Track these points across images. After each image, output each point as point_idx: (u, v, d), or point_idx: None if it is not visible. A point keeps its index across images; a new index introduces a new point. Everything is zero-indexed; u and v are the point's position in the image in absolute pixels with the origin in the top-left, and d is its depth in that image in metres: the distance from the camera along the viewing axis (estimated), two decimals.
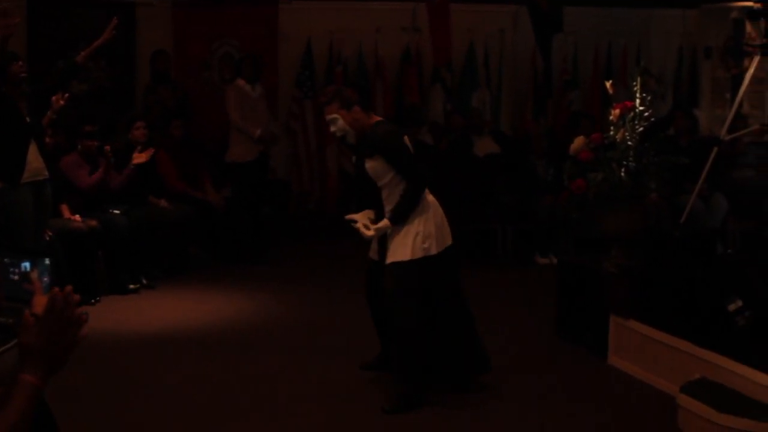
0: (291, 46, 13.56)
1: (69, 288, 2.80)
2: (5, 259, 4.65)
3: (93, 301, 9.15)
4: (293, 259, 11.51)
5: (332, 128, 6.54)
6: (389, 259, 6.43)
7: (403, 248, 6.37)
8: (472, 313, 6.88)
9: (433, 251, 6.44)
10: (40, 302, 2.93)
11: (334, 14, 13.61)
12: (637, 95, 7.64)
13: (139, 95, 12.87)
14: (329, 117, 6.51)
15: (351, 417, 6.38)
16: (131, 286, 9.78)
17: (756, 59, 8.55)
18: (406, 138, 6.53)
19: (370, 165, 6.41)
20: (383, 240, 6.57)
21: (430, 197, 6.54)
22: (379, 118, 6.66)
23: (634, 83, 7.75)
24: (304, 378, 7.16)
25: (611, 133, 7.65)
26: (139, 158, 9.93)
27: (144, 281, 9.95)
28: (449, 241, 6.60)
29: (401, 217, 6.36)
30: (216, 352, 7.87)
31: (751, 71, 8.65)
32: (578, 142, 7.83)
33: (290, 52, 13.57)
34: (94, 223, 9.56)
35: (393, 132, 6.49)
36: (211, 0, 13.18)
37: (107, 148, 9.75)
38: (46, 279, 4.29)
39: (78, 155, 9.92)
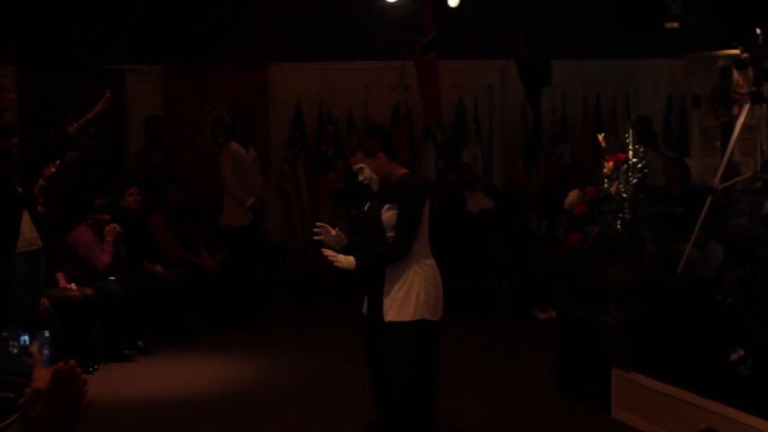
0: (281, 108, 13.58)
1: (73, 362, 2.78)
2: (3, 333, 4.62)
3: (91, 369, 9.09)
4: (289, 322, 11.47)
5: (360, 177, 6.58)
6: (389, 317, 6.39)
7: (405, 306, 6.35)
8: (437, 387, 6.87)
9: (432, 317, 6.45)
10: (40, 376, 2.90)
11: (323, 74, 13.65)
12: (630, 147, 7.66)
13: (129, 161, 12.86)
14: (356, 167, 6.61)
15: None
16: (127, 352, 9.71)
17: (746, 107, 8.59)
18: (427, 204, 6.58)
19: (387, 214, 6.42)
20: (376, 295, 6.54)
21: (433, 262, 6.56)
22: (406, 170, 6.70)
23: (626, 135, 7.77)
24: None
25: (605, 185, 7.66)
26: (110, 233, 9.88)
27: (140, 344, 9.89)
28: (440, 315, 6.58)
29: (369, 264, 6.47)
30: (214, 417, 7.83)
31: (741, 119, 8.69)
32: (573, 195, 7.85)
33: (280, 114, 13.59)
34: (90, 291, 9.53)
35: (417, 186, 6.63)
36: (200, 64, 13.21)
37: (115, 226, 9.77)
38: (46, 352, 4.26)
39: (90, 231, 9.90)
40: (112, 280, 9.85)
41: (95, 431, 6.99)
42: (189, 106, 13.24)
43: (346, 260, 6.41)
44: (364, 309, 6.76)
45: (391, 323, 6.38)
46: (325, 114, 13.66)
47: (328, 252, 6.48)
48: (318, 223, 6.76)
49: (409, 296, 6.36)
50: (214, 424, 7.61)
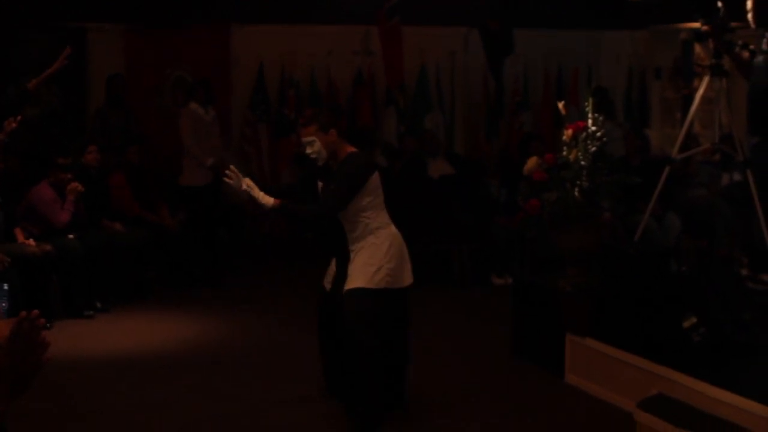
0: (243, 70, 13.55)
1: (35, 312, 2.78)
2: None
3: (48, 325, 9.06)
4: (248, 283, 11.48)
5: (308, 150, 6.45)
6: (349, 285, 6.37)
7: (364, 276, 6.33)
8: (409, 355, 6.92)
9: (394, 286, 6.46)
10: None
11: (286, 38, 13.61)
12: (589, 116, 7.70)
13: (89, 119, 12.80)
14: (306, 139, 6.45)
15: None
16: (86, 311, 9.71)
17: (706, 79, 8.64)
18: (375, 177, 6.51)
19: None
20: (341, 269, 6.56)
21: (394, 230, 6.57)
22: (354, 149, 6.59)
23: (587, 104, 7.82)
24: (262, 401, 7.15)
25: (564, 153, 7.71)
26: (72, 192, 9.85)
27: (99, 305, 9.89)
28: (410, 281, 6.60)
29: (284, 212, 6.49)
30: (172, 375, 7.84)
31: (701, 91, 8.74)
32: (532, 162, 7.89)
33: (243, 76, 13.56)
34: (48, 247, 9.52)
35: (361, 163, 6.51)
36: (163, 24, 13.13)
37: (76, 185, 9.74)
38: (4, 304, 4.27)
39: (51, 189, 9.86)
40: (71, 237, 9.83)
41: (51, 387, 7.01)
42: (151, 67, 13.19)
43: (265, 197, 6.36)
44: (327, 284, 6.77)
45: (353, 289, 6.34)
46: (288, 77, 13.64)
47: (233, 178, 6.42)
48: (231, 167, 6.57)
49: (371, 266, 6.34)
50: (169, 383, 7.61)
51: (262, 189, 6.44)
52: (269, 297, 10.80)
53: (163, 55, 13.27)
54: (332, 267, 6.77)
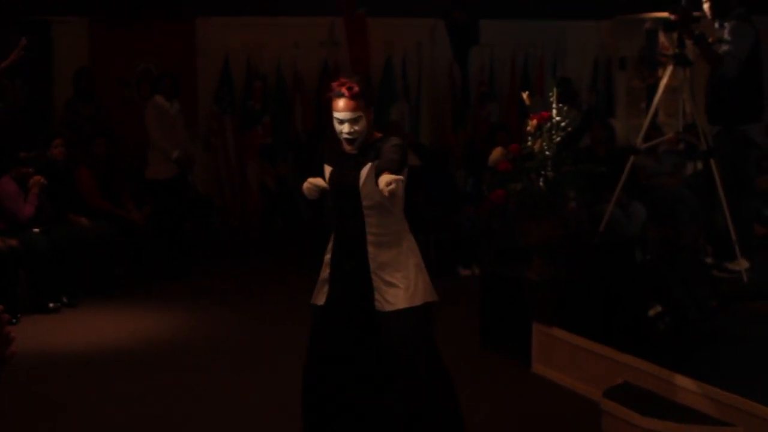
0: (209, 62, 13.53)
1: (0, 307, 2.77)
2: None
3: (14, 320, 9.04)
4: (216, 276, 11.46)
5: (350, 128, 5.10)
6: (398, 305, 5.15)
7: (415, 290, 5.22)
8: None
9: (434, 298, 5.39)
10: None
11: (252, 29, 13.58)
12: (554, 105, 7.73)
13: (56, 113, 12.75)
14: (352, 115, 5.08)
15: None
16: (52, 305, 9.69)
17: (669, 69, 8.68)
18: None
19: (371, 178, 5.02)
20: (352, 278, 5.28)
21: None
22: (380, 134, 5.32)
23: (551, 93, 7.84)
24: (230, 394, 7.15)
25: (529, 143, 7.73)
26: (35, 185, 9.82)
27: (65, 300, 9.85)
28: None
29: (398, 166, 4.84)
30: (138, 369, 7.84)
31: (664, 81, 8.79)
32: (496, 153, 7.91)
33: (209, 68, 13.54)
34: (13, 242, 9.47)
35: (404, 143, 5.16)
36: (128, 17, 13.08)
37: (39, 178, 9.70)
38: None
39: (14, 182, 9.82)
40: (37, 231, 9.79)
41: (16, 382, 7.00)
42: (116, 60, 13.16)
43: (395, 178, 4.68)
44: (317, 298, 5.38)
45: (404, 311, 5.15)
46: (254, 69, 13.61)
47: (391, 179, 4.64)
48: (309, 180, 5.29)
49: (415, 277, 5.22)
50: (137, 377, 7.60)
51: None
52: (237, 291, 10.78)
53: (128, 48, 13.24)
54: (325, 274, 5.39)
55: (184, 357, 8.24)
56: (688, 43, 8.52)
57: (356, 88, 5.09)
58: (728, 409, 5.62)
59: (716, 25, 8.66)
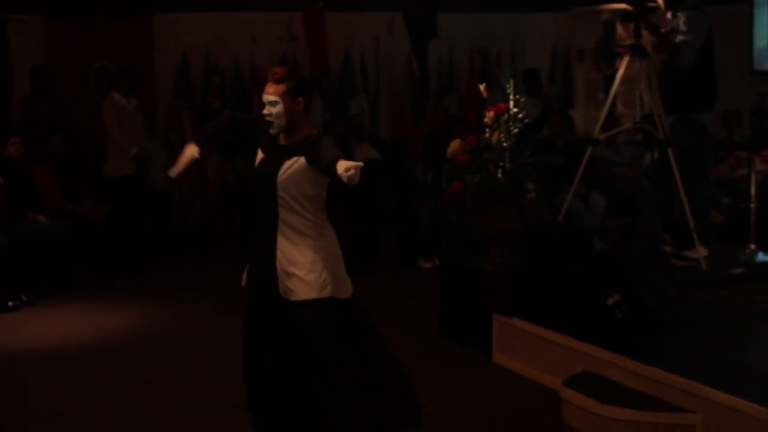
0: (166, 58, 13.47)
1: None
2: None
3: None
4: (176, 273, 11.44)
5: (267, 109, 5.41)
6: (301, 295, 5.41)
7: (315, 282, 5.42)
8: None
9: (342, 296, 5.61)
10: None
11: (209, 25, 13.53)
12: (511, 97, 7.76)
13: (13, 111, 12.68)
14: (269, 97, 5.41)
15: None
16: (11, 303, 9.65)
17: (626, 59, 8.71)
18: None
19: (293, 170, 5.34)
20: (264, 263, 5.57)
21: (333, 233, 5.65)
22: (315, 131, 5.57)
23: (508, 86, 7.86)
24: (192, 390, 7.13)
25: (486, 135, 7.75)
26: None
27: (24, 298, 9.81)
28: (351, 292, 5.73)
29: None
30: (99, 366, 7.82)
31: (621, 72, 8.82)
32: (454, 145, 7.93)
33: (166, 64, 13.48)
34: None
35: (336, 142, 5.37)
36: (84, 13, 13.00)
37: None
38: None
39: None
40: None
41: None
42: (73, 57, 13.07)
43: (355, 164, 4.83)
44: (244, 281, 5.82)
45: (307, 302, 5.41)
46: (212, 65, 13.58)
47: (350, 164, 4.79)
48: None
49: (317, 270, 5.42)
50: (97, 375, 7.58)
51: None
52: (197, 287, 10.75)
53: (85, 45, 13.16)
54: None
55: (145, 353, 8.22)
56: (645, 33, 8.56)
57: (279, 74, 5.46)
58: (687, 395, 5.65)
59: (668, 15, 8.70)
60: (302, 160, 5.33)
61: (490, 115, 7.73)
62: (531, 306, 7.37)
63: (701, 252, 8.27)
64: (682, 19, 8.50)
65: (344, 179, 4.78)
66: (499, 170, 7.62)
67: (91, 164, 11.94)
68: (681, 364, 5.97)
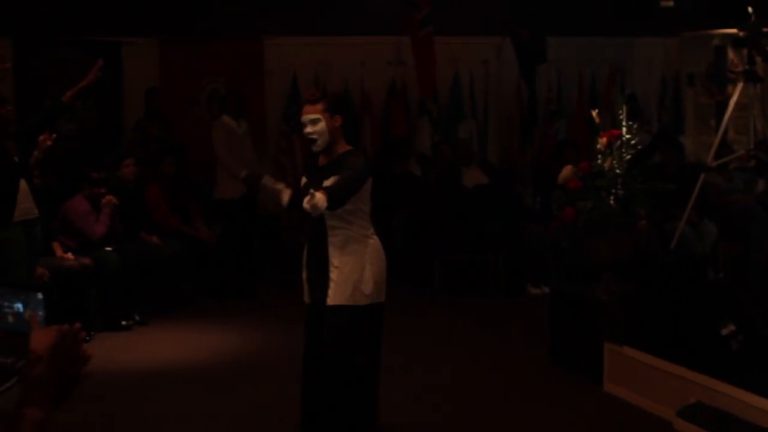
0: (277, 81, 13.61)
1: (77, 325, 2.81)
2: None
3: (86, 338, 9.13)
4: (283, 294, 11.41)
5: (310, 128, 5.87)
6: (337, 301, 5.90)
7: (358, 290, 5.89)
8: (377, 375, 6.26)
9: (382, 299, 6.04)
10: (38, 337, 2.92)
11: (319, 49, 13.66)
12: (623, 123, 7.69)
13: (126, 133, 12.91)
14: (311, 116, 5.87)
15: None
16: (124, 323, 9.78)
17: (740, 86, 8.62)
18: (370, 183, 6.00)
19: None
20: (317, 279, 6.03)
21: (377, 240, 6.08)
22: (351, 147, 6.15)
23: (620, 111, 7.80)
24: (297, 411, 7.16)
25: (599, 161, 7.70)
26: (107, 205, 9.90)
27: (137, 317, 9.94)
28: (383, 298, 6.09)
29: (337, 198, 5.64)
30: (209, 386, 7.88)
31: (734, 98, 8.73)
32: (566, 171, 7.88)
33: (276, 88, 13.63)
34: (87, 261, 9.59)
35: (366, 163, 6.03)
36: (196, 37, 13.22)
37: (111, 198, 9.80)
38: (41, 313, 4.30)
39: (86, 201, 9.94)
40: (109, 250, 9.89)
41: (89, 399, 7.04)
42: (185, 79, 13.27)
43: (320, 195, 5.49)
44: (306, 297, 6.23)
45: (339, 307, 5.89)
46: (321, 88, 13.65)
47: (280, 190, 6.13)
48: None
49: (361, 278, 5.88)
50: (208, 395, 7.64)
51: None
52: (303, 308, 10.77)
53: (196, 68, 13.36)
54: (304, 274, 6.22)
55: (251, 373, 8.27)
56: (758, 59, 8.46)
57: (317, 94, 6.09)
58: None
59: None
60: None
61: (602, 141, 7.67)
62: (643, 334, 7.29)
63: None
64: None
65: (304, 207, 5.52)
66: (612, 197, 7.55)
67: (201, 186, 12.08)
68: None
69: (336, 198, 5.62)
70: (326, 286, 5.93)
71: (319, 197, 5.44)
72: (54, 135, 8.66)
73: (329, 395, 6.04)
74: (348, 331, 5.91)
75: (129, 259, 10.02)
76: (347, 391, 6.01)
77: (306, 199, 5.48)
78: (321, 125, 5.87)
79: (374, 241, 6.04)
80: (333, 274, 5.90)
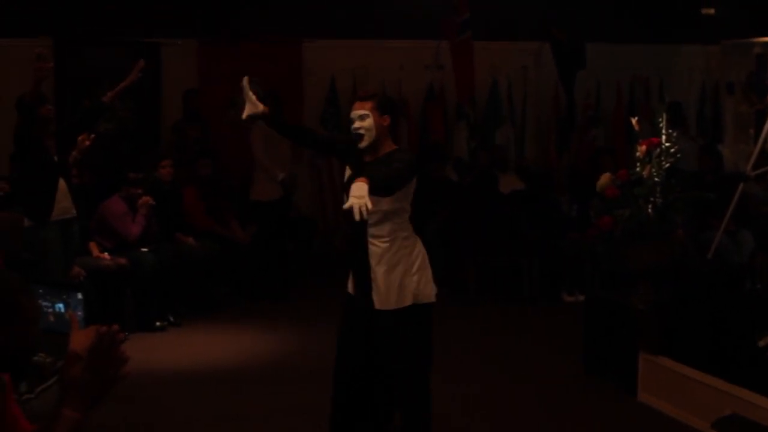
0: (315, 84, 13.62)
1: (116, 326, 2.83)
2: (40, 290, 4.69)
3: (124, 339, 9.14)
4: (318, 296, 11.47)
5: (357, 123, 5.82)
6: (388, 305, 5.84)
7: (405, 291, 5.83)
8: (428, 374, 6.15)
9: (432, 299, 5.97)
10: (77, 338, 2.94)
11: (358, 52, 13.66)
12: (663, 131, 7.65)
13: (164, 134, 12.96)
14: (360, 112, 5.82)
15: None
16: (158, 324, 9.81)
17: None
18: (414, 182, 5.86)
19: None
20: (362, 273, 5.98)
21: (418, 238, 5.99)
22: (398, 147, 6.02)
23: (660, 119, 7.76)
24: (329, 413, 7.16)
25: (637, 169, 7.66)
26: (143, 206, 9.94)
27: (171, 318, 9.97)
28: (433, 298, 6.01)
29: (380, 188, 5.34)
30: (242, 388, 7.90)
31: None
32: (604, 179, 7.84)
33: (314, 90, 13.64)
34: (123, 261, 9.63)
35: (413, 159, 5.85)
36: (235, 38, 13.25)
37: (148, 199, 9.83)
38: (80, 313, 4.32)
39: (123, 202, 9.99)
40: (145, 251, 9.93)
41: (124, 399, 7.07)
42: (224, 81, 13.28)
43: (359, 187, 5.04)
44: (351, 288, 6.22)
45: (387, 312, 5.84)
46: (359, 91, 13.65)
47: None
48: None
49: (407, 279, 5.82)
50: (241, 396, 7.65)
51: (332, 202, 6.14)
52: (339, 310, 10.78)
53: (235, 69, 13.35)
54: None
55: (286, 374, 8.29)
56: None
57: (370, 91, 6.05)
58: None
59: None
60: None
61: (642, 149, 7.63)
62: (679, 344, 7.24)
63: None
64: None
65: (345, 205, 5.05)
66: (650, 205, 7.51)
67: (237, 187, 12.11)
68: None
69: (380, 184, 5.28)
70: (370, 287, 5.90)
71: (360, 184, 5.01)
72: (93, 135, 8.71)
73: (370, 395, 6.09)
74: (400, 333, 5.83)
75: (164, 260, 10.05)
76: (402, 392, 5.99)
77: (353, 195, 4.98)
78: (369, 121, 5.81)
79: (417, 241, 5.95)
80: (377, 276, 5.84)
